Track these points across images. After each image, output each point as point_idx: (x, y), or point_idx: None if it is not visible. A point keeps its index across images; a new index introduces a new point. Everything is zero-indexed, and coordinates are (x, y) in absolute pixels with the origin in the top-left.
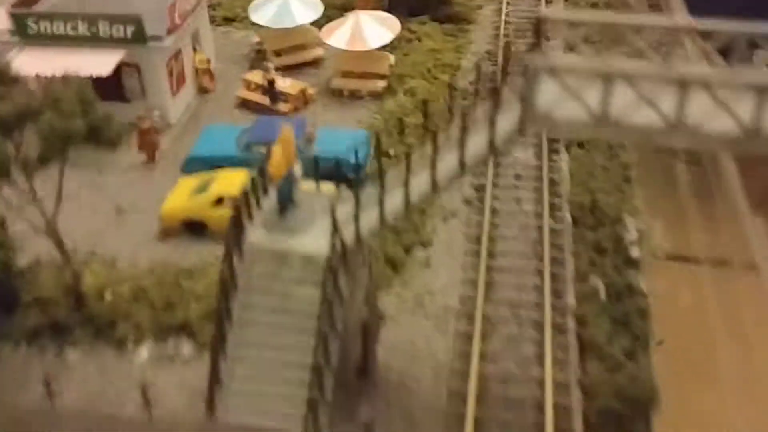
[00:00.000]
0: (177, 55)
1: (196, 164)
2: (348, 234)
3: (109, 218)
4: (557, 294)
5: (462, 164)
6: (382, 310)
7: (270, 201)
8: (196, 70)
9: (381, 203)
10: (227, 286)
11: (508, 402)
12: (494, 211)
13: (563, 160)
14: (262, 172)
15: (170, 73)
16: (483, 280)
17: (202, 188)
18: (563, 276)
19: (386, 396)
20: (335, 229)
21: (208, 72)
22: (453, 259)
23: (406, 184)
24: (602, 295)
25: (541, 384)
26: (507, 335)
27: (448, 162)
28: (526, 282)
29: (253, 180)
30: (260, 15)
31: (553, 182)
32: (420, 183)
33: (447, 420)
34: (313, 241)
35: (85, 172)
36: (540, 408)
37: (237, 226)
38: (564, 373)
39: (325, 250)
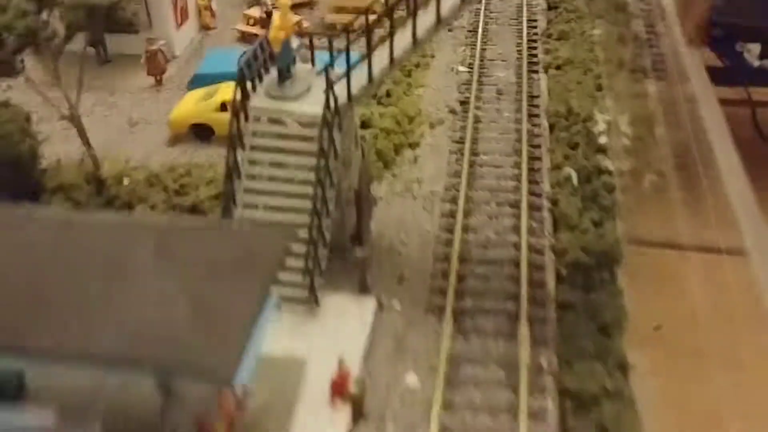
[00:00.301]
0: None
1: (200, 81)
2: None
3: (122, 130)
4: (534, 182)
5: (439, 19)
6: (374, 194)
7: (271, 74)
8: (199, 9)
9: (369, 61)
10: (235, 141)
11: (488, 261)
12: (477, 119)
13: (542, 79)
14: (264, 44)
15: (174, 6)
16: (466, 171)
17: (208, 97)
18: (539, 168)
19: (378, 259)
20: (329, 86)
21: (210, 9)
22: (439, 157)
23: (390, 41)
24: (574, 180)
25: (516, 246)
26: (487, 212)
27: (426, 20)
28: (505, 173)
29: (254, 51)
30: None
31: (531, 96)
32: (402, 40)
33: (433, 277)
34: (309, 105)
35: (98, 93)
36: (516, 264)
37: (242, 92)
38: (538, 239)
39: (320, 112)
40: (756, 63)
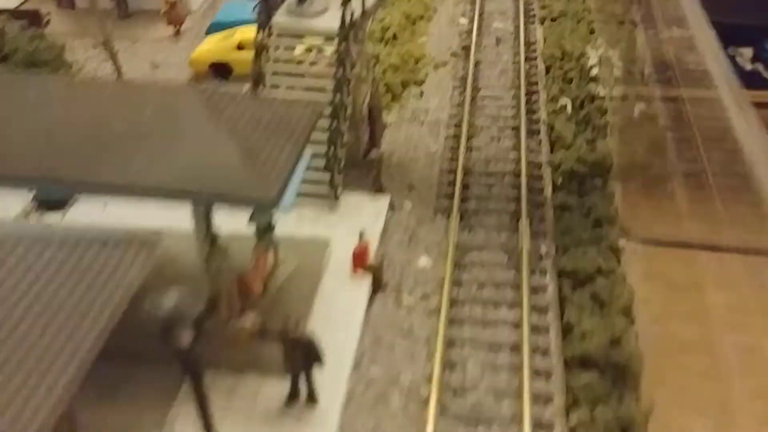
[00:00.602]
0: None
1: (217, 28)
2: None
3: (145, 71)
4: (531, 111)
5: None
6: (384, 118)
7: None
8: None
9: None
10: (260, 52)
11: (490, 173)
12: (478, 62)
13: (537, 29)
14: None
15: None
16: (468, 102)
17: (227, 38)
18: (537, 99)
19: (388, 173)
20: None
21: None
22: (443, 93)
23: None
24: (569, 108)
25: (516, 161)
26: (489, 135)
27: None
28: (505, 104)
29: None
30: None
31: (528, 43)
32: None
33: (439, 185)
34: (327, 21)
35: (121, 42)
36: (516, 175)
37: (265, 9)
38: (536, 156)
39: (336, 27)
40: (748, 66)
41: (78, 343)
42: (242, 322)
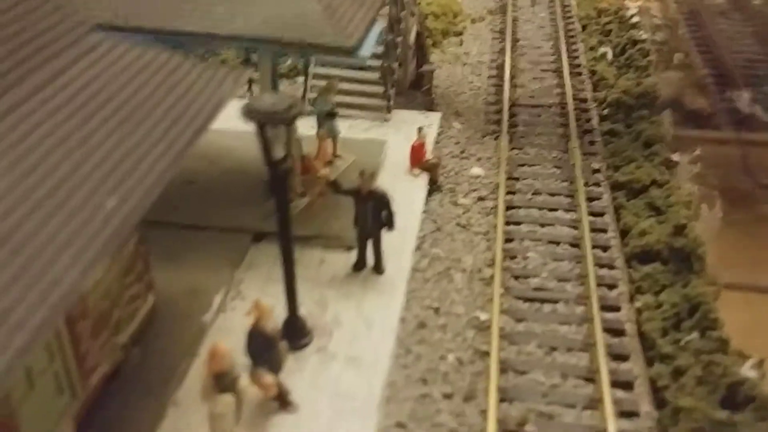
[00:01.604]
0: None
1: None
2: None
3: None
4: (572, 57)
5: None
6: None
7: None
8: None
9: None
10: None
11: (535, 105)
12: (515, 18)
13: None
14: None
15: None
16: (509, 48)
17: None
18: (576, 48)
19: (437, 101)
20: None
21: None
22: (483, 42)
23: None
24: (609, 55)
25: (562, 95)
26: (532, 75)
27: None
28: (545, 51)
29: None
30: None
31: (564, 3)
32: None
33: (486, 113)
34: None
35: None
36: (562, 106)
37: None
38: (580, 92)
39: None
40: (747, 109)
41: (172, 140)
42: (319, 172)
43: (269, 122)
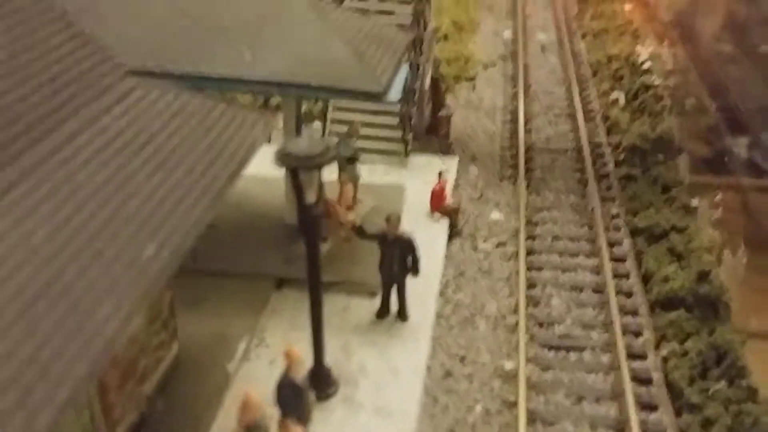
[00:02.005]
0: None
1: None
2: None
3: None
4: (585, 102)
5: None
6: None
7: None
8: None
9: None
10: None
11: (551, 150)
12: (526, 64)
13: (580, 42)
14: None
15: None
16: (522, 93)
17: None
18: (588, 93)
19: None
20: None
21: None
22: (495, 87)
23: None
24: (621, 101)
25: (576, 140)
26: (546, 120)
27: None
28: (558, 95)
29: None
30: None
31: (573, 51)
32: None
33: (502, 158)
34: None
35: None
36: (578, 150)
37: None
38: (594, 137)
39: None
40: (744, 155)
41: (208, 184)
42: (345, 217)
43: (303, 167)
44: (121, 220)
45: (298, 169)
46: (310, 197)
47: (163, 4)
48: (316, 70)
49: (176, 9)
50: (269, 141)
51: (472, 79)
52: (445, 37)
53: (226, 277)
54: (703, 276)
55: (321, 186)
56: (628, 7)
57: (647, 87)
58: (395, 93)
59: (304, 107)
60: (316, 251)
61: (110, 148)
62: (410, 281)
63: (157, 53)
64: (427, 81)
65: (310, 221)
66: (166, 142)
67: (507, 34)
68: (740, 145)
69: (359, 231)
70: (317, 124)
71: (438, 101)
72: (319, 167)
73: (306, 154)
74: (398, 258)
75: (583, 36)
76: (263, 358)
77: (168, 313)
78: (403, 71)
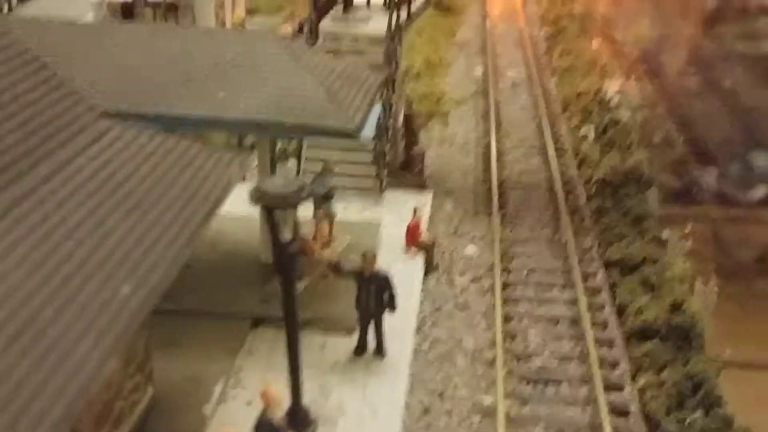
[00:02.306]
0: (222, 3)
1: None
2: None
3: None
4: (556, 136)
5: None
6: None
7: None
8: (234, 26)
9: None
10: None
11: (524, 184)
12: (498, 101)
13: (550, 78)
14: None
15: (216, 16)
16: (494, 129)
17: None
18: (559, 130)
19: (428, 181)
20: (393, 4)
21: (243, 25)
22: (468, 123)
23: None
24: (591, 136)
25: (548, 173)
26: (518, 154)
27: None
28: (528, 131)
29: None
30: None
31: (543, 87)
32: None
33: (476, 192)
34: (372, 28)
35: None
36: (549, 183)
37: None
38: (566, 171)
39: (383, 31)
40: (713, 186)
41: (183, 224)
42: (321, 255)
43: (278, 206)
44: (97, 260)
45: (273, 208)
46: (286, 236)
47: (137, 48)
48: (289, 109)
49: (150, 53)
50: (244, 180)
51: (445, 115)
52: (418, 75)
53: (202, 317)
54: (676, 306)
55: (296, 224)
56: (595, 43)
57: (616, 122)
58: (368, 131)
59: (278, 146)
60: (293, 290)
61: (85, 189)
62: (387, 318)
63: (131, 95)
64: (401, 118)
65: (286, 260)
66: (141, 183)
67: (478, 71)
68: (709, 177)
69: (335, 268)
70: (292, 162)
71: (412, 138)
72: (294, 206)
73: (281, 193)
74: (375, 294)
75: (553, 72)
76: (240, 399)
77: (144, 355)
78: (376, 110)
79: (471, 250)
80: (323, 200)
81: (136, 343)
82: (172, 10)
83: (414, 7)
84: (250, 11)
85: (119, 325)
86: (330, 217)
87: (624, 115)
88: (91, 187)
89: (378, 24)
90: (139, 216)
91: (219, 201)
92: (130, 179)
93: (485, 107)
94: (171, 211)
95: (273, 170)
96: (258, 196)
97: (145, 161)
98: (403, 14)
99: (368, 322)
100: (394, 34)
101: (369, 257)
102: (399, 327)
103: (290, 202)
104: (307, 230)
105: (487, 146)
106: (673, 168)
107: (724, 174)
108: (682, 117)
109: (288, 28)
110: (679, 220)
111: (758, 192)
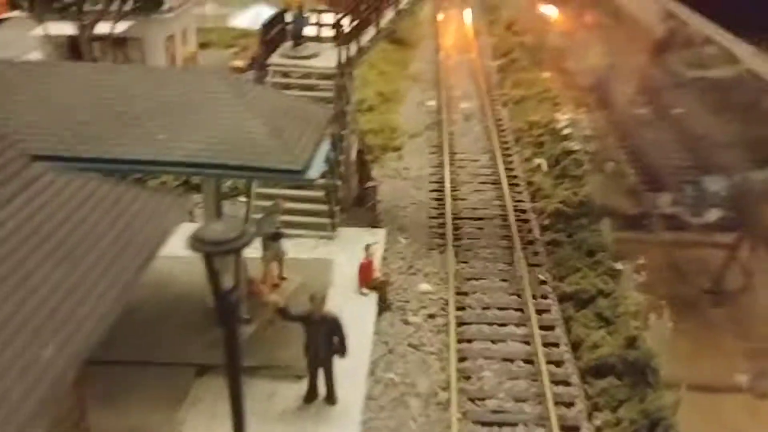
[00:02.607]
0: (172, 38)
1: None
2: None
3: None
4: (509, 168)
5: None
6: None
7: (286, 43)
8: (184, 59)
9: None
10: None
11: (478, 218)
12: (451, 133)
13: (502, 110)
14: (280, 15)
15: (166, 50)
16: (447, 162)
17: None
18: (512, 160)
19: (381, 216)
20: (342, 39)
21: (194, 61)
22: (421, 157)
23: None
24: (544, 167)
25: (502, 207)
26: (471, 188)
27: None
28: (482, 163)
29: (273, 16)
30: (239, 21)
31: (496, 119)
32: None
33: (430, 227)
34: (322, 62)
35: None
36: (504, 218)
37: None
38: (520, 202)
39: (332, 66)
40: (668, 210)
41: (115, 276)
42: (269, 297)
43: (218, 252)
44: (20, 320)
45: (212, 254)
46: (227, 282)
47: (77, 88)
48: (232, 150)
49: (90, 93)
50: (192, 220)
51: (398, 149)
52: (371, 109)
53: (144, 367)
54: (630, 341)
55: (240, 269)
56: (546, 74)
57: (568, 152)
58: (316, 169)
59: (229, 183)
60: (235, 340)
61: (10, 241)
62: (338, 362)
63: (68, 138)
64: (354, 153)
65: (228, 308)
66: (72, 232)
67: (432, 103)
68: (662, 203)
69: (283, 312)
70: (243, 199)
71: (364, 173)
72: (235, 252)
73: (220, 238)
74: (324, 339)
75: (505, 104)
76: None
77: (78, 413)
78: (325, 146)
79: (425, 287)
80: (272, 240)
81: (68, 401)
82: (120, 44)
83: (364, 41)
84: (202, 45)
85: (40, 391)
86: (279, 258)
87: (575, 146)
88: (16, 239)
89: (328, 58)
90: (68, 269)
91: (155, 250)
92: (59, 229)
93: (439, 140)
94: (103, 262)
95: (219, 211)
96: (196, 243)
97: (78, 209)
98: (353, 48)
99: (318, 368)
100: (344, 69)
101: (317, 300)
102: (351, 371)
103: (230, 248)
104: (255, 271)
105: (441, 180)
106: (627, 197)
107: (677, 200)
108: (633, 146)
109: (239, 63)
110: (633, 248)
111: (711, 216)
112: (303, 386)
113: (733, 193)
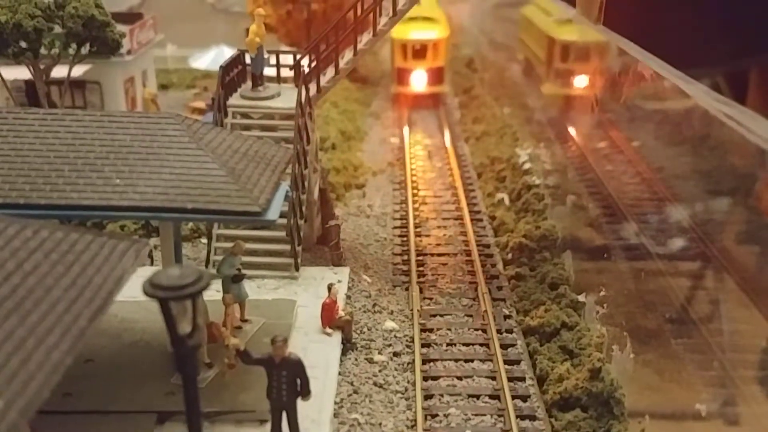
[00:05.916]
0: (131, 80)
1: None
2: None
3: None
4: (472, 204)
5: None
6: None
7: (246, 84)
8: (145, 101)
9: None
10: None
11: (441, 254)
12: (414, 169)
13: (464, 146)
14: (239, 57)
15: (126, 93)
16: (410, 199)
17: None
18: (475, 196)
19: (345, 255)
20: (302, 79)
21: (155, 103)
22: (384, 194)
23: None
24: (506, 201)
25: (465, 242)
26: (435, 224)
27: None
28: (445, 200)
29: (232, 58)
30: (199, 62)
31: (458, 155)
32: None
33: (394, 264)
34: (282, 102)
35: None
36: (467, 253)
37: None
38: (483, 239)
39: (292, 107)
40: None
41: (69, 325)
42: (229, 341)
43: (174, 298)
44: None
45: (168, 299)
46: (185, 328)
47: (31, 134)
48: (189, 193)
49: (44, 138)
50: (152, 263)
51: (361, 186)
52: (334, 147)
53: (104, 416)
54: (595, 373)
55: (198, 313)
56: (507, 110)
57: (529, 187)
58: (275, 210)
59: (190, 225)
60: (194, 386)
61: None
62: (301, 405)
63: (21, 184)
64: (316, 192)
65: (186, 354)
66: (22, 282)
67: (394, 140)
68: (623, 234)
69: (244, 356)
70: (204, 241)
71: (327, 211)
72: (192, 297)
73: (176, 283)
74: (287, 382)
75: (467, 140)
76: None
77: None
78: (284, 187)
79: (390, 324)
80: (233, 282)
81: None
82: (78, 87)
83: (325, 80)
84: (163, 86)
85: None
86: (241, 299)
87: (536, 180)
88: None
89: (288, 99)
90: (18, 320)
91: (110, 295)
92: (9, 279)
93: (402, 176)
94: (55, 310)
95: (178, 254)
96: (151, 289)
97: (28, 258)
98: (313, 88)
99: (281, 412)
100: (305, 108)
101: (278, 343)
102: (315, 414)
103: (186, 293)
104: (216, 314)
105: (405, 216)
106: (588, 228)
107: (638, 230)
108: (592, 179)
109: (199, 104)
110: (595, 279)
111: (674, 245)
112: (266, 430)
113: (694, 223)
